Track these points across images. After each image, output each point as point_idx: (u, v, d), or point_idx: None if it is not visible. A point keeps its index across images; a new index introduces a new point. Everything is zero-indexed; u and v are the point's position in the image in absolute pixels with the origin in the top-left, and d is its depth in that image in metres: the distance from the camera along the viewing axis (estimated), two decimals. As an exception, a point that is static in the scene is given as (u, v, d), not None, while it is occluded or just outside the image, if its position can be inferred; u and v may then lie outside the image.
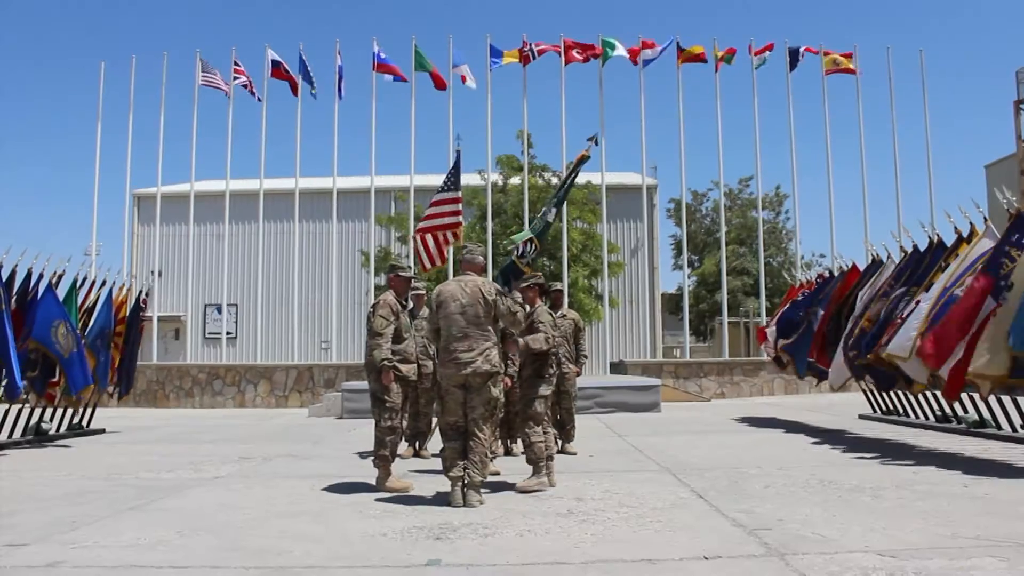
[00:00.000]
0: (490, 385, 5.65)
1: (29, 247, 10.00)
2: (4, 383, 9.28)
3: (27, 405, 10.79)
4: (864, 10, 77.47)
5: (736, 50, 21.40)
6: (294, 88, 20.83)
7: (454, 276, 6.10)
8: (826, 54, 21.50)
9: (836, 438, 9.64)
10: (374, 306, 6.39)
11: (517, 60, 20.54)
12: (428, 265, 15.15)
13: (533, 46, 20.59)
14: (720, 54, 21.27)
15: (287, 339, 23.30)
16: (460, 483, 5.50)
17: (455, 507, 5.38)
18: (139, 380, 18.25)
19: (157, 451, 9.43)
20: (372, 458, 6.30)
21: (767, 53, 21.48)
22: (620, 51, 20.87)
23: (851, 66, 21.51)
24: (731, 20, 75.25)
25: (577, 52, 20.80)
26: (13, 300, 9.65)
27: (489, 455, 5.88)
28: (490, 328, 5.74)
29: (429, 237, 15.11)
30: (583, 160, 11.55)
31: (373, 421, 6.38)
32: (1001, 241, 7.31)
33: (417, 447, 8.51)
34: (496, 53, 20.57)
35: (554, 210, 10.82)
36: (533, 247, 10.14)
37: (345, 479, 6.84)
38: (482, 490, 5.58)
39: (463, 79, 20.58)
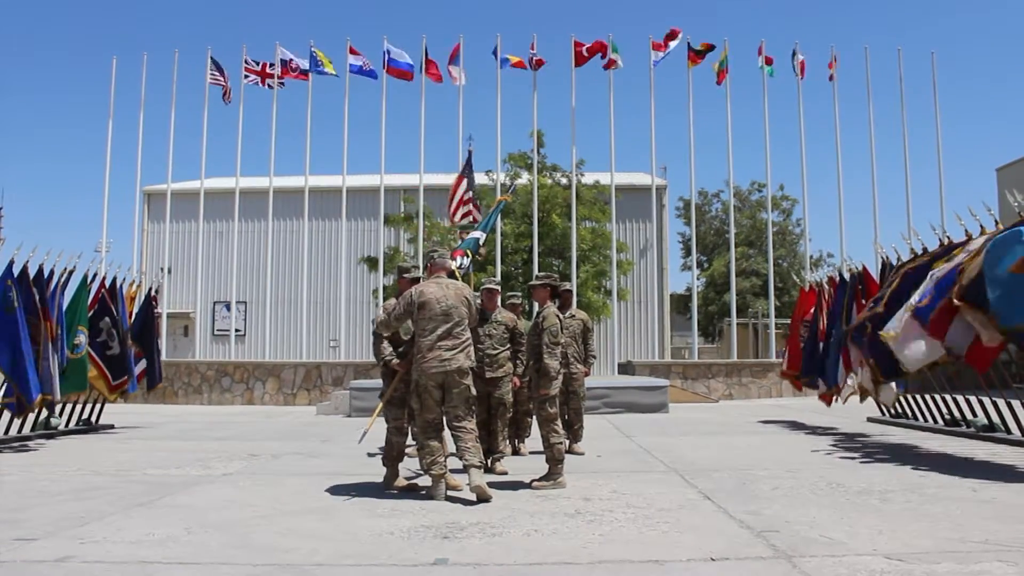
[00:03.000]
0: (468, 383, 5.84)
1: (40, 244, 9.98)
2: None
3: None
4: (875, 12, 77.21)
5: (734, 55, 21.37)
6: (311, 67, 20.88)
7: (430, 277, 6.17)
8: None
9: (844, 440, 9.61)
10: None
11: (526, 67, 20.59)
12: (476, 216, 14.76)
13: (535, 58, 20.61)
14: (722, 56, 21.26)
15: (296, 337, 23.39)
16: (443, 479, 5.74)
17: (438, 500, 5.58)
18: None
19: (165, 447, 9.47)
20: (380, 457, 6.34)
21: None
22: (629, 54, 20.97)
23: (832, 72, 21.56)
24: (741, 21, 75.09)
25: (588, 51, 20.83)
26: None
27: (480, 441, 5.98)
28: (468, 328, 6.00)
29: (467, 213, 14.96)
30: (499, 204, 12.11)
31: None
32: None
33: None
34: (504, 57, 20.61)
35: (483, 234, 11.20)
36: (470, 260, 10.49)
37: (353, 478, 6.85)
38: (490, 489, 5.60)
39: (453, 79, 20.61)
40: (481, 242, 11.12)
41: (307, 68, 20.86)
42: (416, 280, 6.57)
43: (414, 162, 20.85)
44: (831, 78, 21.46)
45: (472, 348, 5.99)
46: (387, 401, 6.35)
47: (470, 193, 14.84)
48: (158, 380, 12.78)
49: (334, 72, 20.85)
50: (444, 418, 5.92)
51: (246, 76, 20.96)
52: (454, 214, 14.65)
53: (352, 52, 20.74)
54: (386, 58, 20.69)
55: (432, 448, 5.80)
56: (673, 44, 20.96)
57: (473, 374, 6.03)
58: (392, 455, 6.26)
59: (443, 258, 6.29)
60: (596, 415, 13.37)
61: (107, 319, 11.31)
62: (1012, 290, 6.77)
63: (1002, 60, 73.63)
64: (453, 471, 6.05)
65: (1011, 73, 73.00)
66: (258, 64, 21.09)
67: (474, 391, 5.98)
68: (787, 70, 21.62)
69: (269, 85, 21.09)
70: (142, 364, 12.09)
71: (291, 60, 20.94)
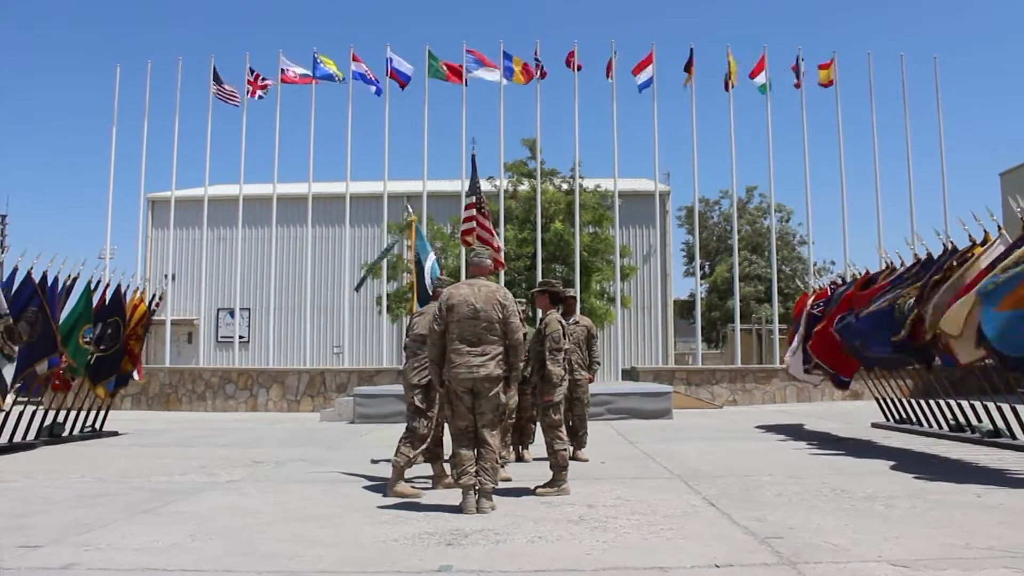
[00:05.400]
0: (498, 390, 5.64)
1: (44, 250, 10.11)
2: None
3: (42, 407, 10.90)
4: (877, 17, 77.26)
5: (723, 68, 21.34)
6: (306, 79, 20.91)
7: (465, 279, 6.06)
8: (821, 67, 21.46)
9: (848, 446, 9.59)
10: (421, 314, 6.57)
11: (523, 82, 20.65)
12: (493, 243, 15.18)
13: (542, 64, 20.63)
14: (732, 65, 21.22)
15: (299, 343, 23.37)
16: (473, 490, 5.49)
17: (468, 515, 5.36)
18: (152, 383, 18.39)
19: (170, 454, 9.48)
20: (394, 459, 6.29)
21: (764, 72, 21.39)
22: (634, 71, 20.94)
23: (831, 78, 21.46)
24: (743, 27, 75.16)
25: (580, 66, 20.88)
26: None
27: (500, 461, 5.88)
28: (501, 333, 5.71)
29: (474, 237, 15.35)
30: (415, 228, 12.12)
31: (388, 426, 6.44)
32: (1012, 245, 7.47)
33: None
34: (509, 58, 20.63)
35: (432, 256, 11.24)
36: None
37: (357, 484, 6.86)
38: (493, 496, 5.58)
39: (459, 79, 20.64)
40: (440, 266, 11.25)
41: (310, 73, 20.86)
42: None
43: (417, 168, 20.88)
44: (831, 83, 21.37)
45: (505, 356, 5.69)
46: (420, 411, 6.36)
47: (473, 210, 15.03)
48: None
49: (340, 75, 20.83)
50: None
51: (248, 89, 20.98)
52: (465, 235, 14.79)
53: (355, 60, 20.76)
54: (389, 66, 20.70)
55: (463, 457, 5.60)
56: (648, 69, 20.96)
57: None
58: (400, 462, 6.19)
59: (480, 258, 6.07)
60: (600, 421, 13.35)
61: (100, 325, 11.34)
62: (1006, 327, 6.89)
63: (1005, 64, 73.68)
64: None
65: (1014, 77, 73.04)
66: (257, 77, 21.11)
67: (505, 399, 5.70)
68: (789, 77, 21.60)
69: (260, 97, 21.10)
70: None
71: (288, 69, 20.94)
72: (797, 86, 21.31)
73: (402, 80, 20.87)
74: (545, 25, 79.93)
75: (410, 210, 13.06)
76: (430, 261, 10.90)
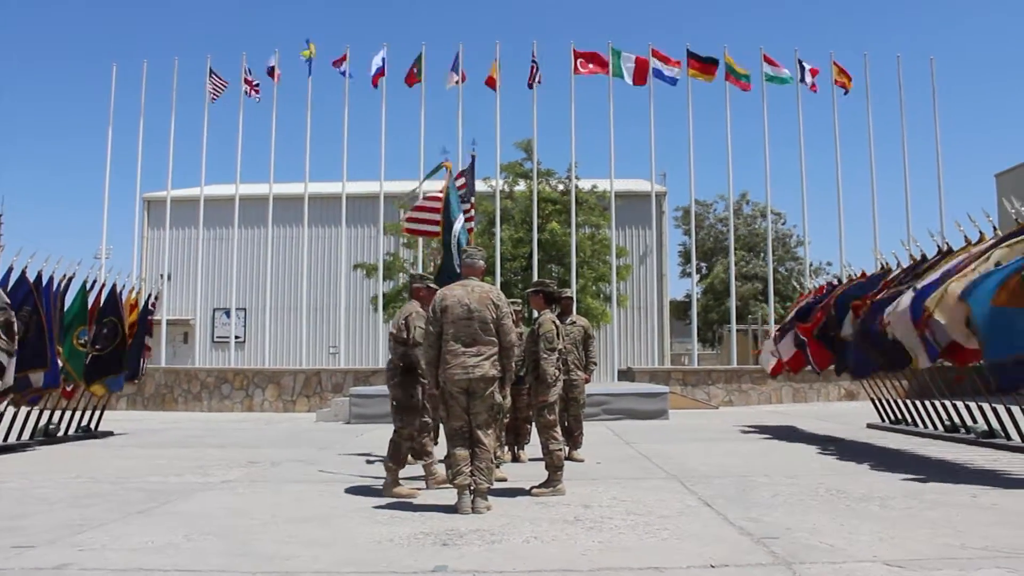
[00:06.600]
0: (493, 390, 5.64)
1: (39, 250, 10.09)
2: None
3: (37, 407, 10.88)
4: (874, 18, 77.42)
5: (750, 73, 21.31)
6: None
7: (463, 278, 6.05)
8: (837, 67, 21.48)
9: (844, 447, 9.61)
10: (407, 318, 6.51)
11: (494, 88, 20.65)
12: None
13: (540, 72, 20.63)
14: (740, 69, 21.20)
15: (295, 343, 23.39)
16: (468, 490, 5.48)
17: (463, 515, 5.35)
18: (147, 383, 18.33)
19: (165, 454, 9.46)
20: (386, 461, 6.33)
21: (783, 71, 21.36)
22: (629, 63, 20.85)
23: (846, 81, 21.48)
24: (741, 28, 75.28)
25: (582, 64, 20.82)
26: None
27: (495, 461, 5.88)
28: (495, 333, 5.71)
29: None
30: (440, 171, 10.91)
31: (384, 426, 6.47)
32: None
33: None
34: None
35: (461, 216, 10.26)
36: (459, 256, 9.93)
37: (353, 484, 6.85)
38: (488, 496, 5.58)
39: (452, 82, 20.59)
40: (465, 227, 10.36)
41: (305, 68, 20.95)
42: (429, 289, 6.70)
43: (414, 168, 20.83)
44: (843, 83, 21.40)
45: (500, 356, 5.69)
46: (402, 407, 6.39)
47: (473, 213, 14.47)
48: (133, 376, 12.55)
49: (307, 56, 20.77)
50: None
51: (244, 85, 20.97)
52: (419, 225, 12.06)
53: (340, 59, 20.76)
54: (384, 65, 20.68)
55: (458, 457, 5.57)
56: (666, 68, 20.90)
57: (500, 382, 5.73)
58: (398, 460, 6.27)
59: (472, 259, 6.03)
60: (596, 422, 13.35)
61: (95, 325, 11.33)
62: (996, 324, 6.87)
63: (1001, 65, 73.86)
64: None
65: (1010, 78, 73.22)
66: (251, 84, 21.13)
67: (499, 399, 5.70)
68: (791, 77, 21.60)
69: (256, 99, 21.12)
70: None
71: (278, 69, 20.97)
72: (807, 83, 21.29)
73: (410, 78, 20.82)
74: (543, 25, 79.98)
75: (446, 151, 12.06)
76: (459, 222, 9.95)
